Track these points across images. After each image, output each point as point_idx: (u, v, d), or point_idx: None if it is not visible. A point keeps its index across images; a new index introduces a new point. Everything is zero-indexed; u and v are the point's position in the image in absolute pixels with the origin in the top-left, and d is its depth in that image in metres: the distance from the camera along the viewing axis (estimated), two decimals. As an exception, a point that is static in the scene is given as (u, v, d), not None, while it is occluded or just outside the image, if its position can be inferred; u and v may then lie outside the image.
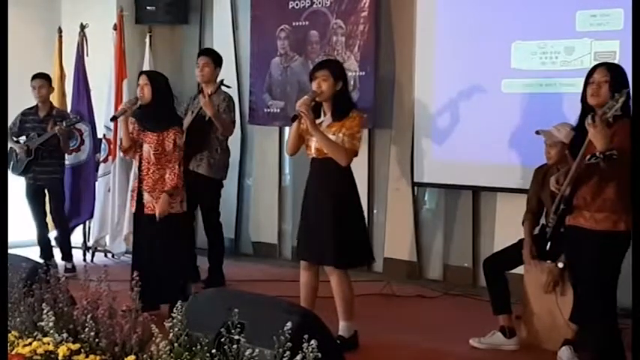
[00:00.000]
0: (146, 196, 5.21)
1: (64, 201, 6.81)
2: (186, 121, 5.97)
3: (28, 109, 6.65)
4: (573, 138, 3.99)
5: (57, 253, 6.80)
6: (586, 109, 3.81)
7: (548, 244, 4.35)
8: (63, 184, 6.73)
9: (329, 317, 3.65)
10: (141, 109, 5.29)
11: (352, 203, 4.59)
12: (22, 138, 6.54)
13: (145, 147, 5.22)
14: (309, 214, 4.63)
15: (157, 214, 5.12)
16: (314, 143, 4.55)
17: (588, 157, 3.64)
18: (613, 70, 3.84)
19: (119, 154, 7.08)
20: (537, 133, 4.69)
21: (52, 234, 6.86)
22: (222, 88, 6.13)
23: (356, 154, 4.56)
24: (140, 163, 5.25)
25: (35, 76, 6.62)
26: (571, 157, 3.95)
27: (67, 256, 6.75)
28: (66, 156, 6.78)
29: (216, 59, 6.20)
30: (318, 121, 4.55)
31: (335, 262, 4.52)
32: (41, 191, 6.62)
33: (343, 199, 4.53)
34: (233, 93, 7.32)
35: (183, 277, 5.32)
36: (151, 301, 5.01)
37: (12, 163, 6.54)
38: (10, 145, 6.51)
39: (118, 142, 5.59)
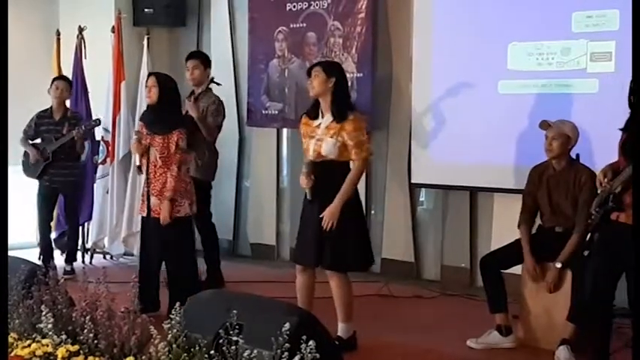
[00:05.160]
0: (153, 200, 5.20)
1: (78, 203, 6.84)
2: None
3: (42, 111, 6.67)
4: (625, 138, 3.98)
5: (57, 255, 6.82)
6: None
7: (588, 236, 4.41)
8: (78, 185, 6.76)
9: (327, 318, 3.66)
10: (148, 110, 5.33)
11: (352, 205, 4.55)
12: (37, 141, 6.58)
13: (152, 150, 5.21)
14: (309, 216, 4.61)
15: (161, 221, 5.14)
16: (312, 146, 4.54)
17: None
18: None
19: (117, 156, 7.12)
20: (544, 123, 4.66)
21: (51, 236, 6.88)
22: (213, 85, 6.13)
23: (371, 155, 4.63)
24: (147, 167, 5.26)
25: (59, 78, 6.73)
26: (623, 156, 3.95)
27: (71, 257, 6.79)
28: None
29: (205, 60, 6.21)
30: (316, 123, 4.56)
31: (334, 265, 4.52)
32: (54, 194, 6.65)
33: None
34: (231, 94, 7.36)
35: (194, 279, 5.33)
36: (154, 303, 5.07)
37: (24, 165, 6.61)
38: (25, 148, 6.57)
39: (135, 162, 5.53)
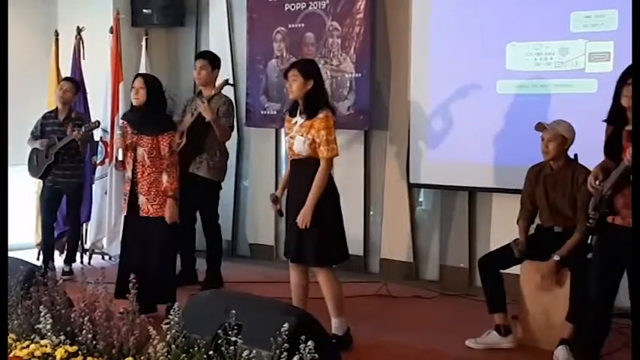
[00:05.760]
0: (141, 199, 5.21)
1: (80, 204, 6.85)
2: (186, 122, 6.01)
3: (48, 112, 6.72)
4: (608, 138, 3.97)
5: (56, 256, 6.82)
6: (617, 108, 3.84)
7: (590, 239, 4.44)
8: (81, 187, 6.77)
9: (322, 318, 3.67)
10: (133, 110, 5.32)
11: (329, 200, 4.56)
12: (44, 141, 6.58)
13: (139, 150, 5.21)
14: (291, 214, 4.65)
15: (167, 220, 5.13)
16: (287, 144, 4.63)
17: None
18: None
19: (116, 156, 7.11)
20: (540, 125, 4.66)
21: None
22: (227, 87, 6.15)
23: (336, 155, 4.55)
24: (134, 166, 5.26)
25: (65, 79, 6.77)
26: (607, 157, 3.94)
27: (71, 258, 6.80)
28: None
29: (213, 61, 6.22)
30: (294, 121, 4.61)
31: (316, 261, 4.55)
32: (57, 195, 6.65)
33: (320, 198, 4.51)
34: (230, 95, 7.36)
35: (172, 280, 5.33)
36: (145, 302, 5.04)
37: (29, 165, 6.64)
38: (32, 146, 6.61)
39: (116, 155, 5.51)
